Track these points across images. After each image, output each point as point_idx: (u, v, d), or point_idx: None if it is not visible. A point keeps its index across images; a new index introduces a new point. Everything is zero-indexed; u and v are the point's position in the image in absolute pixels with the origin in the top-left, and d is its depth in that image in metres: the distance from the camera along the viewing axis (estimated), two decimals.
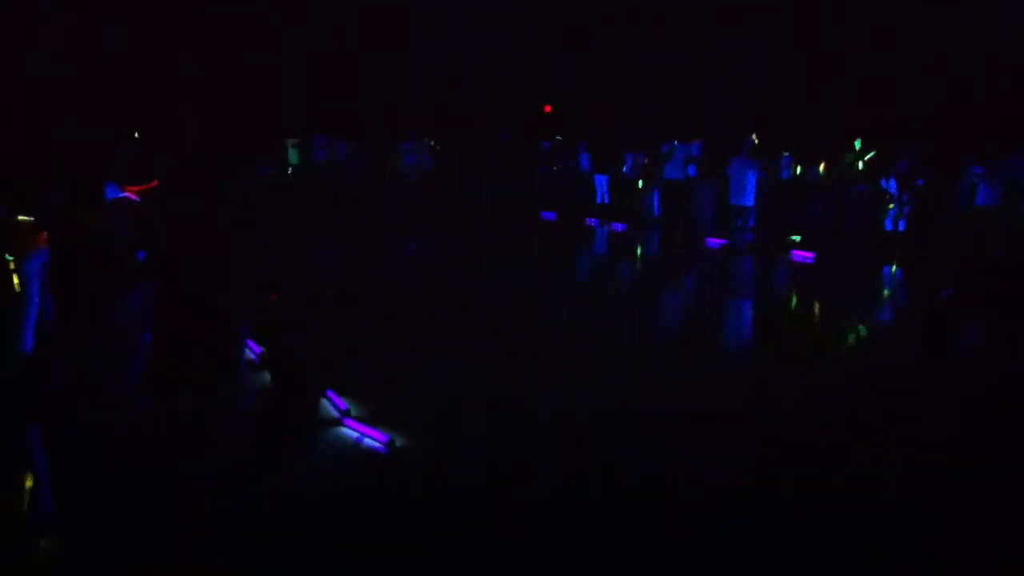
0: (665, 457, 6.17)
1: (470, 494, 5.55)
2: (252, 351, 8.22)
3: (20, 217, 7.25)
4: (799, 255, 14.22)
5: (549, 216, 18.75)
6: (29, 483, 6.09)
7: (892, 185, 14.19)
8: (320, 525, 5.13)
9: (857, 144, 14.99)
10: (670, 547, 5.04)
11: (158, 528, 5.13)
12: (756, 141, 14.78)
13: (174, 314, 7.57)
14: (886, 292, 12.70)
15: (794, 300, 12.20)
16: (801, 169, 16.04)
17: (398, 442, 6.26)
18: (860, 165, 14.81)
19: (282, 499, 5.52)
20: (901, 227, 14.44)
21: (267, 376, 7.79)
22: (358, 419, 6.66)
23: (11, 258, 7.22)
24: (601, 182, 18.84)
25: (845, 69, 19.82)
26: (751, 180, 14.43)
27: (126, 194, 6.40)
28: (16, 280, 7.30)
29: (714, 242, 15.29)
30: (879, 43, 19.33)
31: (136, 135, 18.68)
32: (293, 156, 20.87)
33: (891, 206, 14.20)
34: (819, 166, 15.90)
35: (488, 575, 4.76)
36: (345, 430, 6.57)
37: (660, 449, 6.29)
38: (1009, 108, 16.36)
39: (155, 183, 6.44)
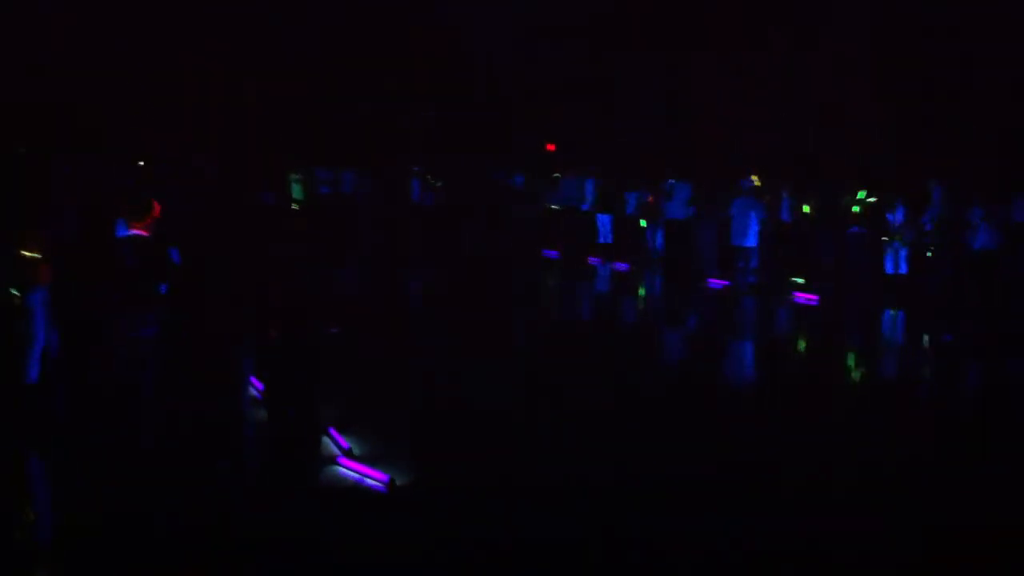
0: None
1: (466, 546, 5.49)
2: (255, 387, 8.21)
3: (25, 252, 7.31)
4: (802, 297, 14.21)
5: (551, 254, 18.73)
6: (28, 513, 6.11)
7: (899, 215, 14.17)
8: None
9: (860, 194, 15.00)
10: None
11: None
12: (756, 182, 14.78)
13: (183, 348, 7.56)
14: (888, 336, 12.69)
15: (794, 344, 12.19)
16: (808, 209, 16.06)
17: (398, 481, 6.22)
18: (856, 208, 14.81)
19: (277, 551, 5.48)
20: (903, 270, 14.42)
21: (268, 413, 7.76)
22: (359, 458, 6.62)
23: (16, 292, 7.28)
24: (604, 221, 18.84)
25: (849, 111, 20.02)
26: (753, 221, 14.44)
27: (135, 231, 6.45)
28: (21, 313, 7.35)
29: (716, 283, 15.31)
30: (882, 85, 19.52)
31: (140, 163, 18.80)
32: (297, 191, 20.91)
33: (897, 238, 14.14)
34: (810, 207, 15.96)
35: None
36: (345, 470, 6.52)
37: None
38: (1009, 153, 16.51)
39: (157, 212, 6.48)
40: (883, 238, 14.55)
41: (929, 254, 13.79)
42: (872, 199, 14.86)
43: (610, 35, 23.37)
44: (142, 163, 19.23)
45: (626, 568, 5.25)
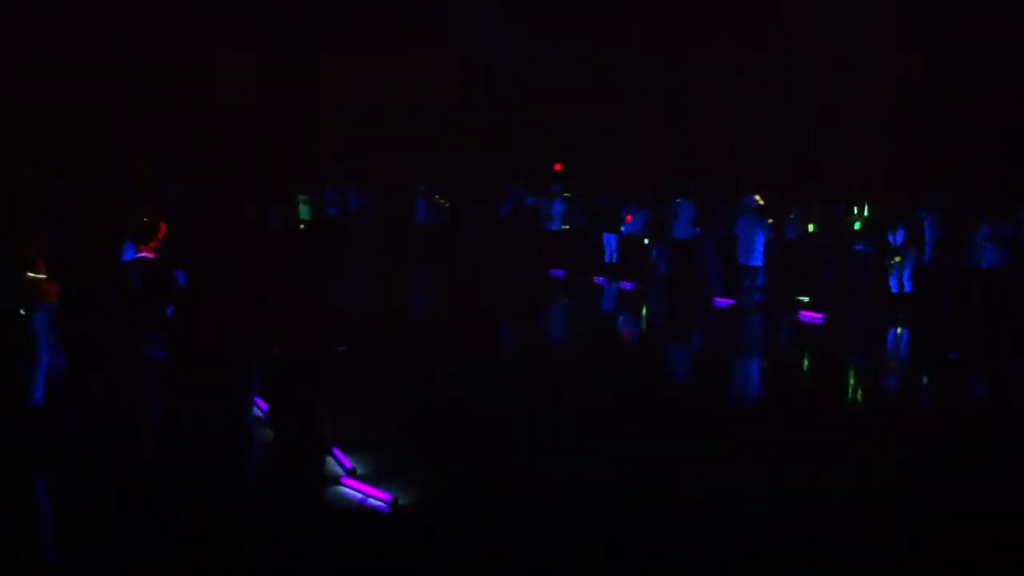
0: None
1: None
2: (259, 407, 8.16)
3: (30, 274, 7.29)
4: (808, 316, 14.03)
5: (558, 273, 18.59)
6: (31, 532, 6.10)
7: (899, 237, 14.13)
8: None
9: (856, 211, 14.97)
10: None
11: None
12: (760, 201, 14.66)
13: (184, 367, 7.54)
14: (893, 353, 12.62)
15: (799, 360, 12.11)
16: (814, 227, 15.98)
17: (401, 500, 6.19)
18: (858, 226, 14.75)
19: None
20: (907, 288, 14.32)
21: (272, 429, 7.71)
22: (363, 478, 6.59)
23: (21, 312, 7.26)
24: (609, 240, 18.71)
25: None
26: (759, 239, 14.24)
27: (142, 254, 6.47)
28: (25, 333, 7.32)
29: (722, 301, 15.15)
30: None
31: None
32: (304, 211, 20.83)
33: (897, 259, 14.07)
34: (814, 225, 15.90)
35: None
36: (349, 490, 6.48)
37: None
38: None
39: (163, 230, 6.48)
40: (885, 258, 14.49)
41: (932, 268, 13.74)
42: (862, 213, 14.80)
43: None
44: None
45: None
